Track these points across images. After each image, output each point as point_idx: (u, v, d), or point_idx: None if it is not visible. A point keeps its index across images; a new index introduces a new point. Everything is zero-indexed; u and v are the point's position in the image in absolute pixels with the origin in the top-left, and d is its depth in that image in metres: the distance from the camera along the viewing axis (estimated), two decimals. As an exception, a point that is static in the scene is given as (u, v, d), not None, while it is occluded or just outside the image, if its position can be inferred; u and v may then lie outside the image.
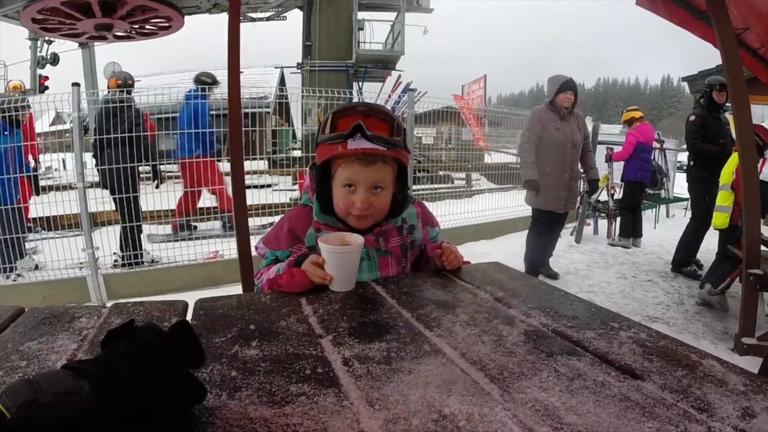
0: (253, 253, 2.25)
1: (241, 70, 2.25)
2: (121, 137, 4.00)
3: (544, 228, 3.95)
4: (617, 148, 5.64)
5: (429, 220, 1.27)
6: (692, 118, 4.16)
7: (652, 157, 6.19)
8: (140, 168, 4.26)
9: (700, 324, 3.07)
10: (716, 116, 4.13)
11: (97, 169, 4.18)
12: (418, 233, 1.23)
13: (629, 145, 5.22)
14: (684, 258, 4.22)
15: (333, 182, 1.09)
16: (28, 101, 4.57)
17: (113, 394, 0.43)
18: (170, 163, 5.03)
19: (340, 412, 0.54)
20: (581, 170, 4.04)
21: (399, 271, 1.18)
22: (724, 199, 3.40)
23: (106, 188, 4.18)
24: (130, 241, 4.03)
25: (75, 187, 3.73)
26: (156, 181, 4.52)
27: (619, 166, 5.62)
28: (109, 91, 4.38)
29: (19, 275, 3.85)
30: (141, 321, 0.76)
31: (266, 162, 5.90)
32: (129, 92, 4.31)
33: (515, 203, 5.82)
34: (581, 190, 4.92)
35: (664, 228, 6.40)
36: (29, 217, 4.37)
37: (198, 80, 5.03)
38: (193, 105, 4.67)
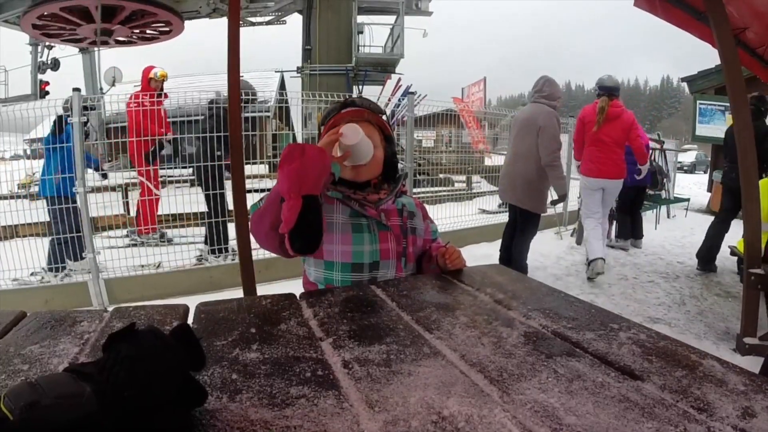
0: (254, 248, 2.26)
1: (241, 74, 2.26)
2: (209, 137, 4.17)
3: None
4: None
5: (427, 214, 1.38)
6: None
7: (652, 158, 6.19)
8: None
9: (701, 324, 3.06)
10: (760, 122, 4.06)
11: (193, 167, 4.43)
12: (419, 222, 1.32)
13: None
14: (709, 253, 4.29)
15: None
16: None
17: (115, 396, 0.43)
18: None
19: (340, 414, 0.55)
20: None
21: (399, 250, 1.23)
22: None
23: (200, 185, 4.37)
24: (215, 236, 4.22)
25: (76, 192, 3.74)
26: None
27: None
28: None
29: (66, 275, 3.89)
30: (142, 324, 0.77)
31: (267, 166, 5.91)
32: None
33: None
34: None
35: (665, 229, 6.40)
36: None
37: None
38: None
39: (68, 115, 3.96)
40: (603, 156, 4.05)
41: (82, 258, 3.92)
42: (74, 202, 3.89)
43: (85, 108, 4.06)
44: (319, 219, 0.99)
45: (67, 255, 3.95)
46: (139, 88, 5.09)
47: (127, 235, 4.89)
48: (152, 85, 4.95)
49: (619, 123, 4.01)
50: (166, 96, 5.04)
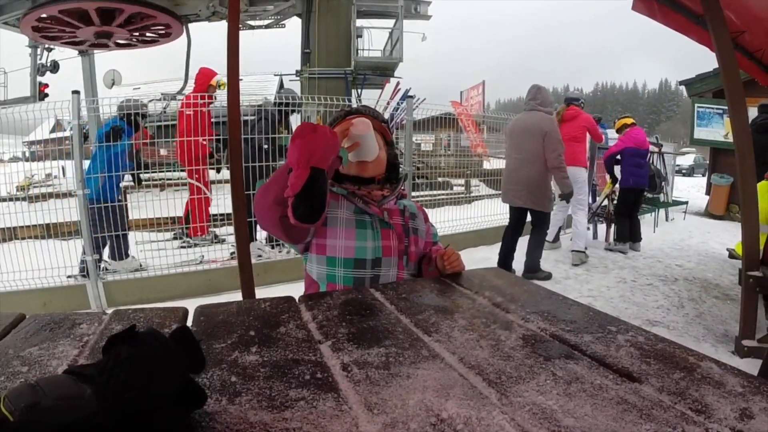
0: (254, 245, 2.25)
1: (240, 77, 2.27)
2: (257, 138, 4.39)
3: None
4: None
5: (428, 218, 1.41)
6: None
7: (651, 161, 6.21)
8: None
9: (700, 327, 3.07)
10: None
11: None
12: (420, 223, 1.35)
13: (614, 147, 5.38)
14: None
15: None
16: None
17: (115, 398, 0.44)
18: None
19: (339, 417, 0.55)
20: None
21: (401, 248, 1.26)
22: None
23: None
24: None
25: (75, 195, 3.74)
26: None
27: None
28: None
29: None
30: (142, 327, 0.77)
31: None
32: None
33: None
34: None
35: (663, 232, 6.41)
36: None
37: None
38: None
39: (122, 117, 4.10)
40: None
41: (126, 256, 4.06)
42: (113, 202, 3.92)
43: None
44: (324, 191, 1.00)
45: (111, 255, 4.06)
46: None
47: (174, 237, 4.93)
48: (209, 91, 4.92)
49: (575, 123, 4.83)
50: (211, 99, 5.01)
